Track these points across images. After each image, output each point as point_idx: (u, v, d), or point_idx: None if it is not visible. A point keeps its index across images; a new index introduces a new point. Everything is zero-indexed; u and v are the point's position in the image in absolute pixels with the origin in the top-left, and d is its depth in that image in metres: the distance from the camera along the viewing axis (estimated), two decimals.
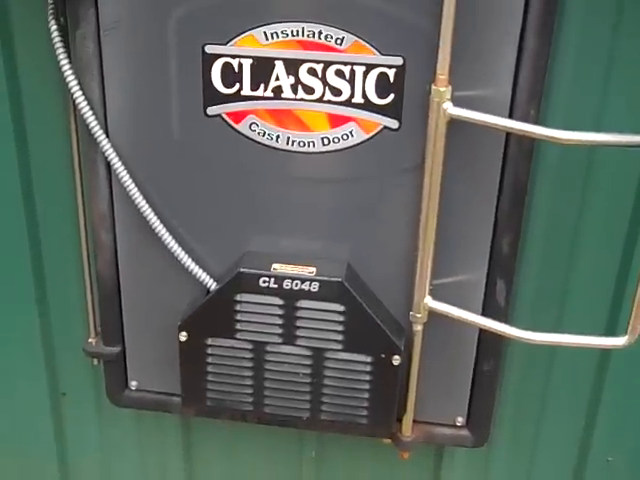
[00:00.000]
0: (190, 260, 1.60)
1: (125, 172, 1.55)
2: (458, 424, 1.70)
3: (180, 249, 1.60)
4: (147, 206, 1.57)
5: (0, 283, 1.83)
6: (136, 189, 1.55)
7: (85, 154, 1.59)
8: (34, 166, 1.70)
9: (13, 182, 1.70)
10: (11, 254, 1.78)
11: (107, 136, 1.53)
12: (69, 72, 1.50)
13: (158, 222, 1.58)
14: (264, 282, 1.52)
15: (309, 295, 1.51)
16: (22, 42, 1.58)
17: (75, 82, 1.50)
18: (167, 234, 1.59)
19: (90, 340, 1.78)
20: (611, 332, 1.60)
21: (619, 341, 1.43)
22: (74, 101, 1.52)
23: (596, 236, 1.54)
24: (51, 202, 1.72)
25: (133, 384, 1.79)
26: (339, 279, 1.51)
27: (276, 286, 1.53)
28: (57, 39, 1.48)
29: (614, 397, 1.70)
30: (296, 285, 1.52)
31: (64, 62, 1.49)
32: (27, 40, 1.57)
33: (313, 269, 1.54)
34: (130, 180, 1.55)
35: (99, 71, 1.49)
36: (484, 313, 1.55)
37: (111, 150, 1.53)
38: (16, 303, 1.83)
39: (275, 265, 1.55)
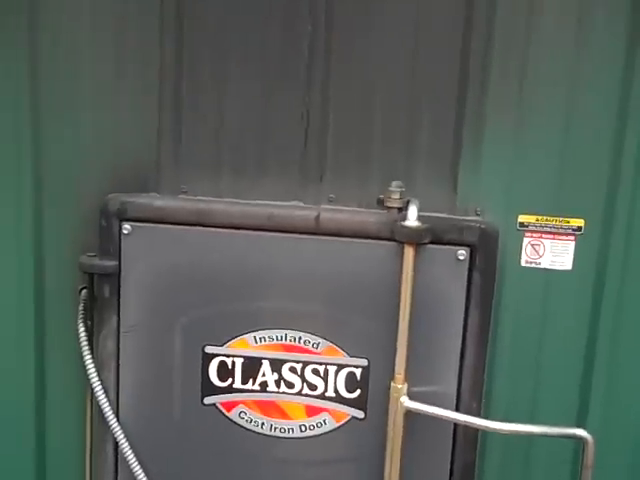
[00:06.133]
0: None
1: (130, 452, 1.79)
2: None
3: None
4: None
5: None
6: (139, 467, 1.78)
7: (97, 434, 1.83)
8: (49, 443, 1.92)
9: (28, 461, 1.92)
10: None
11: (118, 420, 1.78)
12: (91, 366, 1.79)
13: None
14: None
15: None
16: (53, 337, 1.87)
17: (95, 374, 1.79)
18: None
19: None
20: None
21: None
22: (92, 389, 1.79)
23: None
24: (62, 474, 1.93)
25: None
26: None
27: None
28: (84, 340, 1.79)
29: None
30: None
31: (87, 357, 1.79)
32: (58, 336, 1.86)
33: None
34: (134, 458, 1.79)
35: (116, 365, 1.78)
36: None
37: (120, 432, 1.79)
38: None
39: None
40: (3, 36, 1.72)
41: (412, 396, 1.65)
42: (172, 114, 1.74)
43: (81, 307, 1.82)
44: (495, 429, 1.61)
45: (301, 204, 1.71)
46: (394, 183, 1.66)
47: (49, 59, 1.73)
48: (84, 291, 1.83)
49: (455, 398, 1.67)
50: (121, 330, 1.77)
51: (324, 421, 1.71)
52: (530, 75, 1.64)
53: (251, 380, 1.72)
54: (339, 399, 1.70)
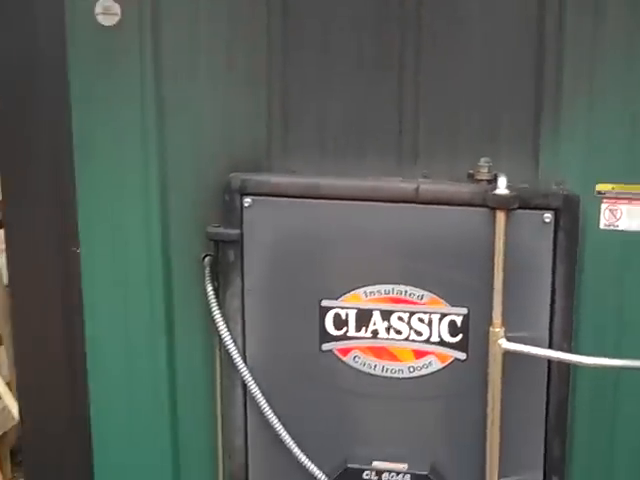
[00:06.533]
0: (308, 460, 2.05)
1: (258, 392, 2.04)
2: None
3: (299, 451, 2.06)
4: (275, 418, 2.05)
5: (140, 475, 2.25)
6: (267, 405, 2.04)
7: (226, 378, 2.08)
8: (180, 390, 2.17)
9: (162, 407, 2.18)
10: (154, 453, 2.22)
11: (245, 364, 2.03)
12: (219, 318, 2.03)
13: (283, 430, 2.05)
14: (367, 475, 1.98)
15: None
16: (180, 300, 2.11)
17: (223, 325, 2.03)
18: (289, 439, 2.05)
19: None
20: None
21: None
22: (221, 340, 2.04)
23: (630, 436, 1.96)
24: (194, 416, 2.19)
25: None
26: (425, 472, 1.96)
27: (377, 478, 1.98)
28: (212, 297, 2.03)
29: None
30: (392, 477, 1.97)
31: (216, 311, 2.03)
32: (185, 299, 2.10)
33: (405, 465, 1.99)
34: (262, 398, 2.04)
35: (241, 319, 2.02)
36: None
37: (248, 374, 2.04)
38: None
39: (375, 462, 2.00)
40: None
41: (509, 339, 1.85)
42: (280, 105, 1.95)
43: (207, 271, 2.06)
44: (588, 364, 1.81)
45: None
46: (482, 159, 1.84)
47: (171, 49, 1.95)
48: (207, 258, 2.06)
49: (547, 341, 1.86)
50: (245, 289, 2.00)
51: (430, 363, 1.93)
52: (602, 49, 1.78)
53: (363, 328, 1.94)
54: (443, 343, 1.91)
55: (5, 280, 3.99)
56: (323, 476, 2.07)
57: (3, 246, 4.09)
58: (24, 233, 2.12)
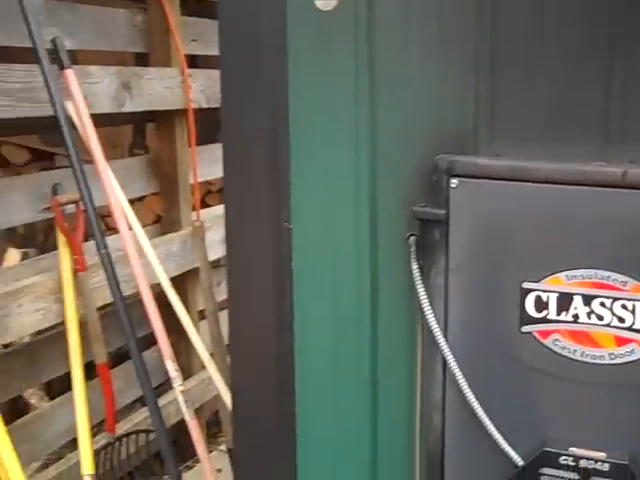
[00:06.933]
0: (504, 440, 2.10)
1: (458, 369, 2.12)
2: None
3: (495, 430, 2.11)
4: (472, 396, 2.11)
5: (340, 445, 2.37)
6: (466, 383, 2.11)
7: (427, 354, 2.18)
8: (382, 358, 2.29)
9: (364, 369, 2.30)
10: (354, 428, 2.34)
11: (447, 341, 2.12)
12: (424, 296, 2.13)
13: (480, 408, 2.11)
14: (564, 460, 2.00)
15: (600, 473, 1.96)
16: (385, 276, 2.23)
17: (427, 302, 2.12)
18: (486, 418, 2.11)
19: None
20: None
21: None
22: (424, 317, 2.14)
23: None
24: (394, 391, 2.31)
25: None
26: (625, 462, 1.94)
27: (574, 464, 1.99)
28: (417, 275, 2.13)
29: None
30: (590, 464, 1.98)
31: (420, 289, 2.13)
32: (389, 275, 2.22)
33: (603, 454, 1.99)
34: (461, 375, 2.11)
35: (444, 297, 2.11)
36: None
37: (448, 351, 2.12)
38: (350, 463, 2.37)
39: (571, 448, 2.02)
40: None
41: None
42: (487, 90, 2.01)
43: (412, 249, 2.17)
44: None
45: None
46: None
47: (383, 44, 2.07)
48: (412, 237, 2.17)
49: None
50: (449, 268, 2.08)
51: (632, 350, 1.92)
52: None
53: (564, 312, 1.97)
54: None
55: (210, 257, 4.37)
56: (518, 457, 2.11)
57: (208, 225, 4.54)
58: (241, 211, 2.32)
